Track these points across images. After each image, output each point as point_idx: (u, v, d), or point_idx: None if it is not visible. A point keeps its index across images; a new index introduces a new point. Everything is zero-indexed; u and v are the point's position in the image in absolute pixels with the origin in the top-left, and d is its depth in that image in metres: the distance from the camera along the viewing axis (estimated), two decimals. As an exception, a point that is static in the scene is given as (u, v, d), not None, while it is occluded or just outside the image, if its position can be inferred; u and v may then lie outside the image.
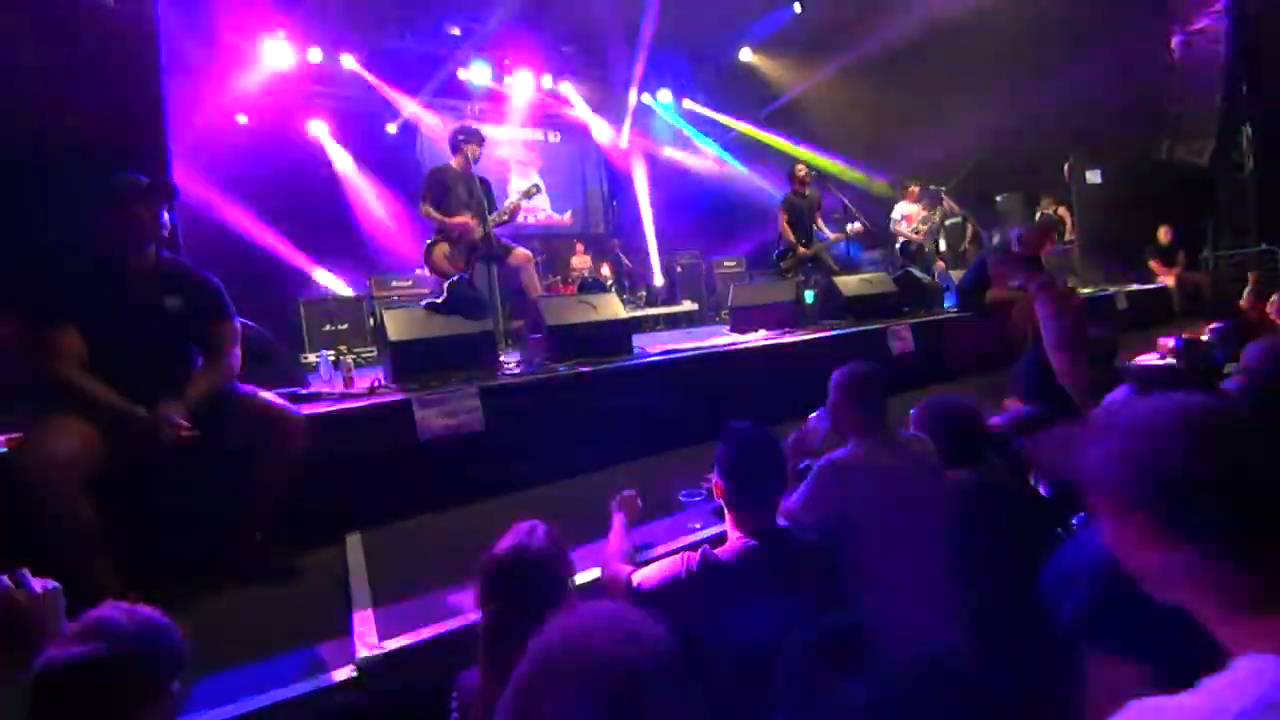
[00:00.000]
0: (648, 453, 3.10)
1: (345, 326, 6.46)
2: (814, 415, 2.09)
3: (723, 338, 4.45)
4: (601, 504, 2.02)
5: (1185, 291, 6.83)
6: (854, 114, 10.02)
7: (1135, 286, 6.67)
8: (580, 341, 3.46)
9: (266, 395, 2.12)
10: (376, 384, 3.02)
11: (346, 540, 2.26)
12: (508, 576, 1.18)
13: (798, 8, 9.28)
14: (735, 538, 1.55)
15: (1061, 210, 7.59)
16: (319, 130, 8.19)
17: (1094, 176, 7.54)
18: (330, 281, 7.82)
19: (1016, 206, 7.82)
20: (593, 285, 8.19)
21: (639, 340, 3.90)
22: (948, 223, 7.44)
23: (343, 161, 8.31)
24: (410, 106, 8.69)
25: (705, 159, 11.52)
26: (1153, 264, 7.24)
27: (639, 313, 8.00)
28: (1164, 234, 7.25)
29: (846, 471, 1.75)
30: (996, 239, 7.16)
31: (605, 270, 8.95)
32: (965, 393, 3.26)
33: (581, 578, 1.73)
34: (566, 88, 9.97)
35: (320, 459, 2.23)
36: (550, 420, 2.97)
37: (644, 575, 1.57)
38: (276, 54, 7.57)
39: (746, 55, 10.53)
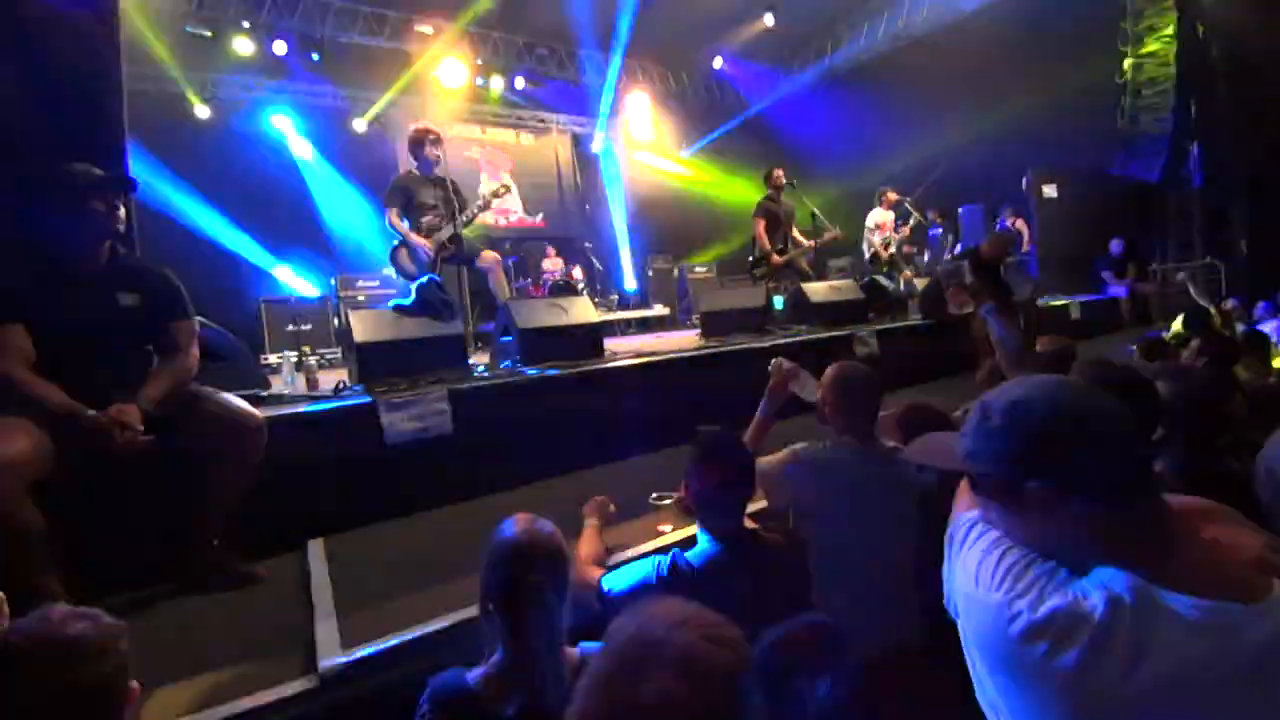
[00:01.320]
0: (619, 456, 3.10)
1: (309, 327, 6.31)
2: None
3: (694, 341, 4.48)
4: (573, 508, 2.01)
5: (1135, 302, 7.14)
6: (823, 124, 10.24)
7: (1088, 297, 6.94)
8: (551, 344, 3.45)
9: (225, 397, 2.06)
10: (342, 386, 2.96)
11: (308, 546, 2.20)
12: (520, 557, 1.18)
13: (769, 20, 9.43)
14: (704, 541, 1.56)
15: (1019, 223, 7.85)
16: (283, 125, 7.99)
17: (1050, 191, 7.83)
18: (294, 281, 7.64)
19: (977, 219, 8.07)
20: (564, 288, 8.17)
21: (610, 344, 3.90)
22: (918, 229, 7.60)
23: (308, 158, 8.13)
24: (378, 104, 8.55)
25: (678, 164, 11.62)
26: (1105, 275, 7.55)
27: (610, 316, 8.00)
28: (1115, 246, 7.57)
29: (813, 467, 1.78)
30: (958, 248, 7.37)
31: (577, 273, 8.93)
32: (928, 396, 3.36)
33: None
34: (540, 89, 9.94)
35: (282, 463, 2.17)
36: (521, 423, 2.95)
37: (614, 579, 1.57)
38: (240, 46, 7.39)
39: (720, 64, 10.67)
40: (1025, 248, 7.87)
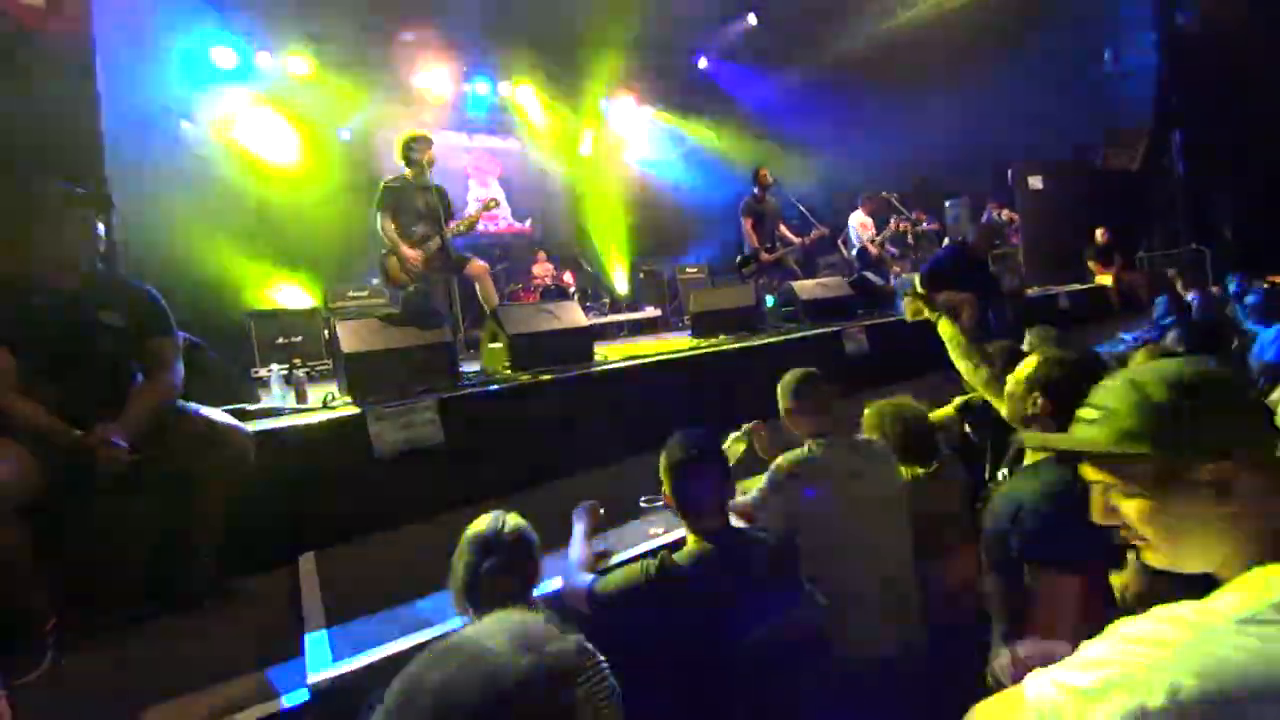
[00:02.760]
0: (610, 459, 3.10)
1: (299, 339, 6.27)
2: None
3: (684, 342, 4.48)
4: (563, 512, 2.01)
5: (1123, 290, 7.19)
6: (809, 122, 10.28)
7: (1076, 286, 6.98)
8: (542, 349, 3.45)
9: (211, 413, 2.05)
10: (330, 398, 2.95)
11: (299, 560, 2.19)
12: (479, 547, 1.19)
13: (752, 19, 9.47)
14: (692, 541, 1.57)
15: (1007, 213, 7.90)
16: (269, 135, 7.95)
17: (1036, 183, 7.88)
18: (282, 293, 7.60)
19: (965, 212, 8.11)
20: (555, 293, 8.16)
21: (603, 347, 3.90)
22: (918, 229, 7.66)
23: (294, 168, 8.09)
24: (365, 112, 8.53)
25: (666, 166, 11.63)
26: (1091, 264, 7.60)
27: (602, 319, 7.99)
28: (1100, 236, 7.63)
29: (801, 472, 1.79)
30: (946, 240, 7.41)
31: (568, 277, 8.91)
32: (918, 391, 3.37)
33: (543, 587, 1.72)
34: (527, 95, 9.93)
35: (271, 477, 2.17)
36: (512, 430, 2.95)
37: (604, 583, 1.57)
38: (224, 58, 7.37)
39: (704, 64, 10.70)
40: (1015, 239, 7.92)
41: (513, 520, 1.42)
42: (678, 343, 4.44)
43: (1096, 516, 0.83)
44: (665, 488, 1.58)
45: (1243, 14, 6.82)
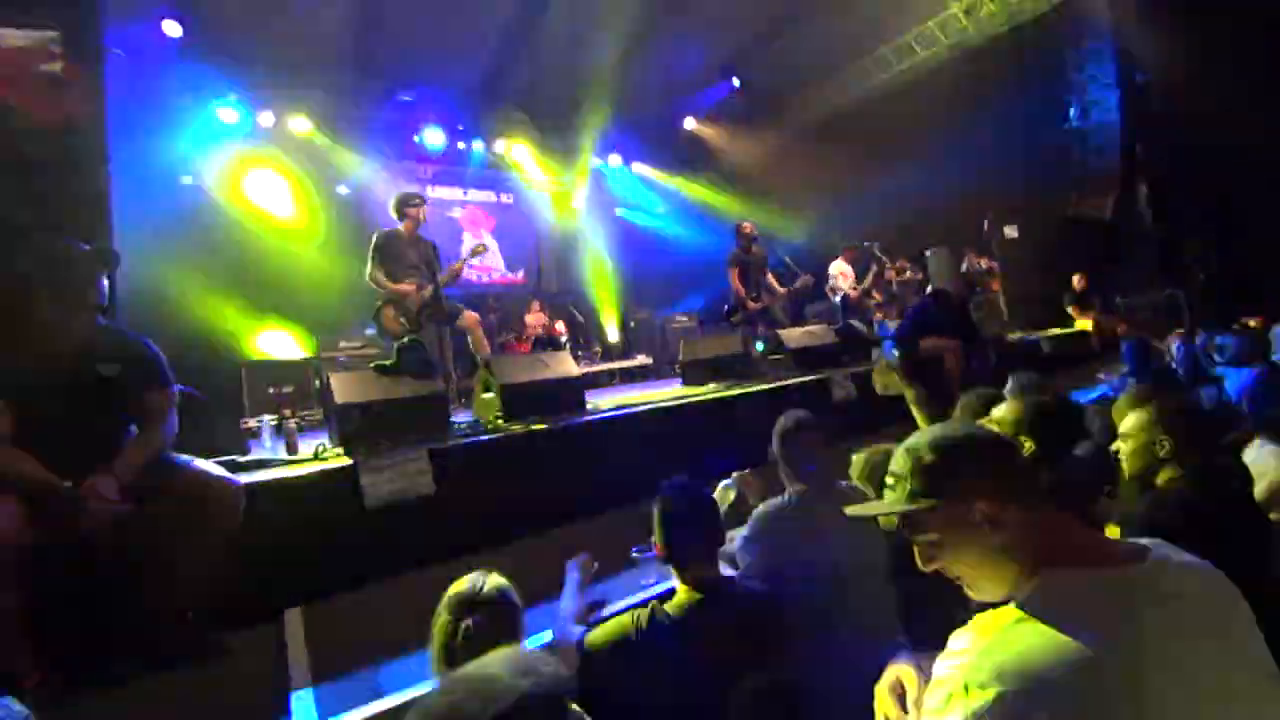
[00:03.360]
0: (603, 508, 3.09)
1: (290, 389, 6.26)
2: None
3: (674, 390, 4.53)
4: (556, 564, 2.01)
5: (1103, 333, 7.35)
6: (791, 176, 10.67)
7: (1057, 330, 7.15)
8: (533, 399, 3.48)
9: (201, 464, 2.05)
10: (322, 449, 2.95)
11: (285, 616, 2.16)
12: (458, 604, 1.19)
13: (735, 82, 9.93)
14: (683, 592, 1.57)
15: (986, 261, 8.14)
16: (267, 191, 8.15)
17: (1012, 232, 8.15)
18: (276, 344, 7.63)
19: (943, 261, 8.35)
20: (547, 342, 8.24)
21: (595, 396, 3.94)
22: (903, 277, 7.86)
23: (291, 222, 8.25)
24: (363, 168, 8.78)
25: (655, 218, 11.96)
26: (1071, 310, 7.80)
27: (594, 368, 8.05)
28: (1078, 281, 7.85)
29: (782, 520, 1.81)
30: (928, 289, 7.60)
31: (560, 326, 9.02)
32: (904, 439, 3.41)
33: (535, 640, 1.71)
34: (520, 151, 10.27)
35: (260, 529, 2.15)
36: (504, 480, 2.95)
37: (594, 636, 1.57)
38: (226, 115, 7.61)
39: (690, 124, 11.15)
40: (995, 286, 8.13)
41: (494, 580, 1.39)
42: (668, 392, 4.49)
43: (922, 566, 0.98)
44: (656, 537, 1.60)
45: (1194, 71, 7.24)
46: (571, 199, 11.05)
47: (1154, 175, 8.41)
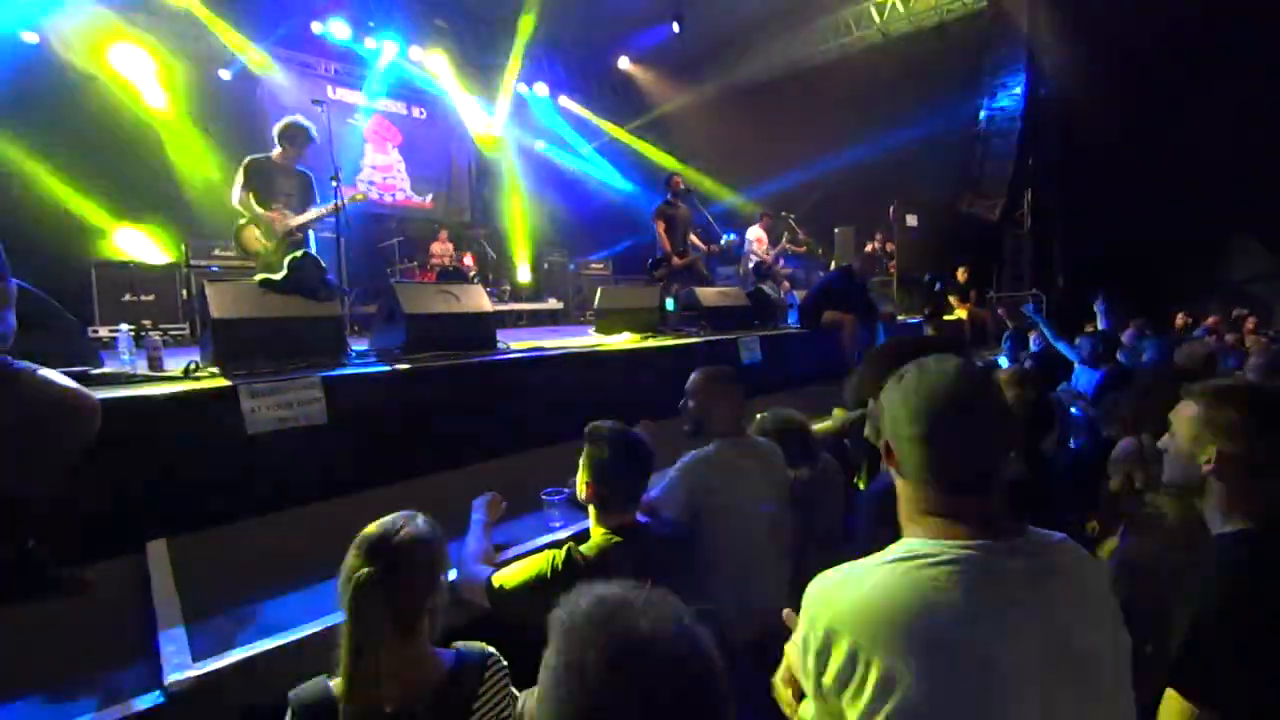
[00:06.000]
0: (509, 450, 3.03)
1: (150, 298, 5.57)
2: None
3: (588, 338, 4.48)
4: (459, 504, 1.94)
5: (974, 323, 8.10)
6: (718, 136, 10.66)
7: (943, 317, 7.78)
8: (440, 333, 3.30)
9: (49, 373, 1.77)
10: (194, 367, 2.64)
11: (148, 548, 1.95)
12: (375, 556, 1.11)
13: (675, 27, 9.63)
14: (599, 534, 1.58)
15: (890, 245, 8.65)
16: (135, 67, 6.94)
17: (912, 221, 8.68)
18: (135, 244, 6.70)
19: (849, 239, 8.78)
20: (454, 274, 7.83)
21: (505, 336, 3.81)
22: (794, 249, 8.15)
23: (162, 106, 7.13)
24: (252, 54, 7.72)
25: (577, 159, 11.54)
26: (951, 299, 8.50)
27: (503, 307, 7.79)
28: (961, 274, 8.55)
29: (708, 468, 1.86)
30: (833, 264, 7.99)
31: (468, 260, 8.59)
32: (803, 399, 3.62)
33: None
34: (438, 62, 9.43)
35: (119, 452, 1.91)
36: (404, 415, 2.80)
37: (504, 575, 1.54)
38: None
39: (625, 64, 10.74)
40: (891, 269, 8.68)
41: (411, 527, 1.20)
42: (585, 340, 4.43)
43: None
44: (584, 479, 1.58)
45: (1093, 91, 7.91)
46: (491, 125, 10.38)
47: (1038, 185, 9.22)
